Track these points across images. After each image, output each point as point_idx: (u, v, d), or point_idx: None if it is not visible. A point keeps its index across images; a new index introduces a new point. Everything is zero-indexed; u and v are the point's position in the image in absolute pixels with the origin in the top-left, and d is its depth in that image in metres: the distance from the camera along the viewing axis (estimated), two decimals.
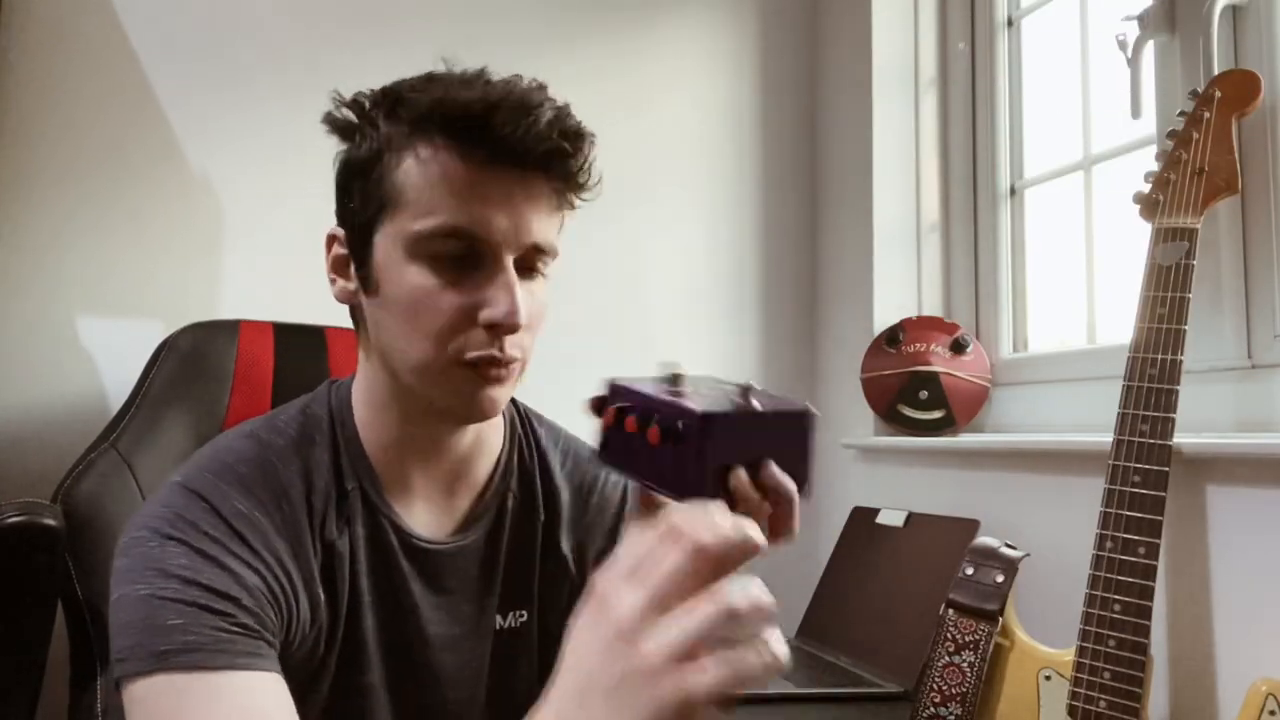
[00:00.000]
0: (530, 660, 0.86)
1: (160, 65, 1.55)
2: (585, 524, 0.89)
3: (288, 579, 0.73)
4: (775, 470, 0.54)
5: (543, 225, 0.75)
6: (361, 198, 0.75)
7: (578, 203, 0.79)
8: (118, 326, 1.50)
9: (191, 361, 1.23)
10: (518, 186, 0.73)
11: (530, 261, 0.76)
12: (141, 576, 0.68)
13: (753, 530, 0.45)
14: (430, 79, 0.75)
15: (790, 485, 0.55)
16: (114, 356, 1.48)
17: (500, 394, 0.75)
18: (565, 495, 0.89)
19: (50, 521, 0.99)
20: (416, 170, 0.72)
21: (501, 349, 0.73)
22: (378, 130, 0.74)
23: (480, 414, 0.76)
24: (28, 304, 1.47)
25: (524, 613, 0.86)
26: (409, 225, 0.72)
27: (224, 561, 0.69)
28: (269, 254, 1.56)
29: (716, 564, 0.44)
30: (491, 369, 0.73)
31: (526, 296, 0.74)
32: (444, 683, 0.82)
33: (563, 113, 0.73)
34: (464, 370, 0.73)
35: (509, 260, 0.73)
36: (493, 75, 0.75)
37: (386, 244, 0.74)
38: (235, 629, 0.67)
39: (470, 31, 1.74)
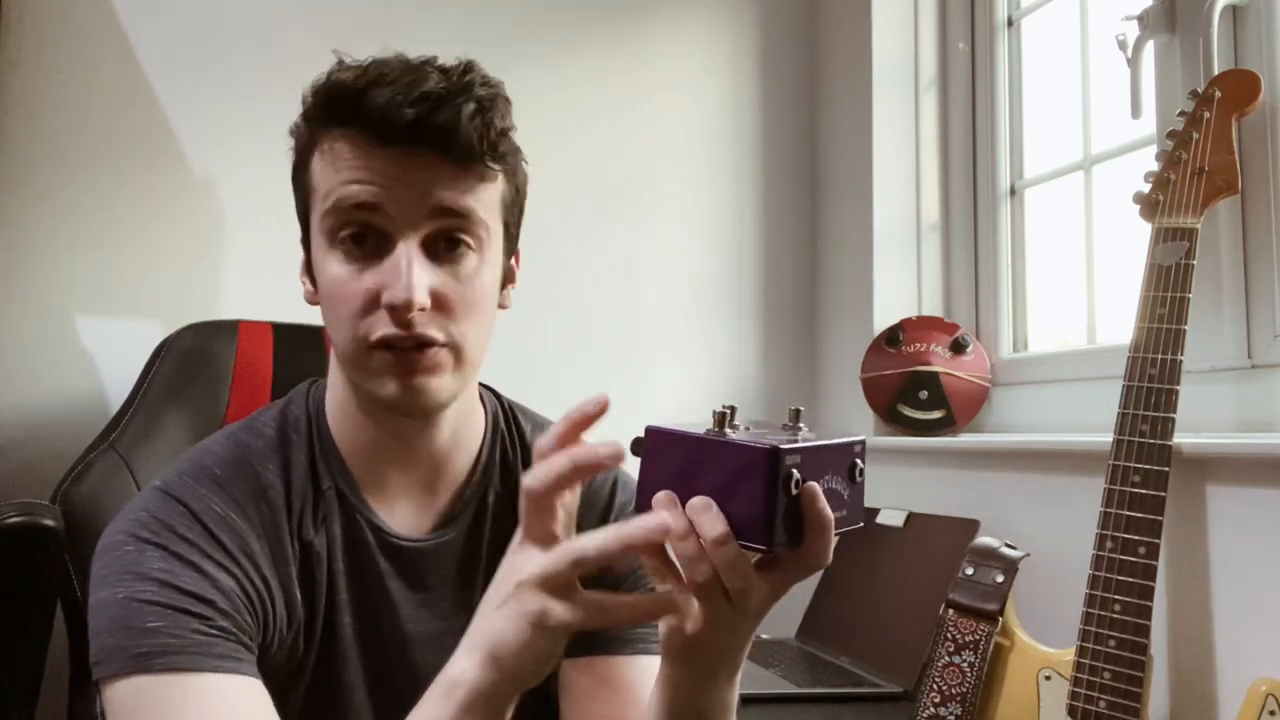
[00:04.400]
0: None
1: (160, 65, 1.55)
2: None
3: (264, 582, 0.73)
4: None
5: (450, 195, 0.72)
6: (297, 200, 0.78)
7: (495, 168, 0.74)
8: (117, 327, 1.50)
9: (191, 362, 1.23)
10: (411, 161, 0.70)
11: (448, 235, 0.73)
12: (119, 580, 0.68)
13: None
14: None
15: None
16: (113, 357, 1.48)
17: (430, 382, 0.72)
18: None
19: (49, 522, 0.99)
20: (319, 161, 0.74)
21: (407, 328, 0.70)
22: (300, 131, 0.77)
23: (414, 402, 0.73)
24: (27, 304, 1.47)
25: None
26: (319, 213, 0.74)
27: (201, 565, 0.69)
28: (268, 254, 1.56)
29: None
30: (407, 353, 0.71)
31: (446, 278, 0.72)
32: (425, 680, 0.81)
33: (448, 77, 0.71)
34: (379, 355, 0.72)
35: (410, 238, 0.71)
36: (385, 55, 0.73)
37: (315, 238, 0.76)
38: (213, 632, 0.67)
39: (471, 32, 1.74)
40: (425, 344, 0.71)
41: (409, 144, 0.70)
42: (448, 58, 0.75)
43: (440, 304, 0.72)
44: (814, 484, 0.57)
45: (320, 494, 0.78)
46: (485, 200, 0.75)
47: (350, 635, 0.79)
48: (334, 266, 0.73)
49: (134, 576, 0.68)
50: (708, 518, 0.55)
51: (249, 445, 0.78)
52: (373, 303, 0.71)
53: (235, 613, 0.70)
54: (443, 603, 0.82)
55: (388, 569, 0.80)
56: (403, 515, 0.81)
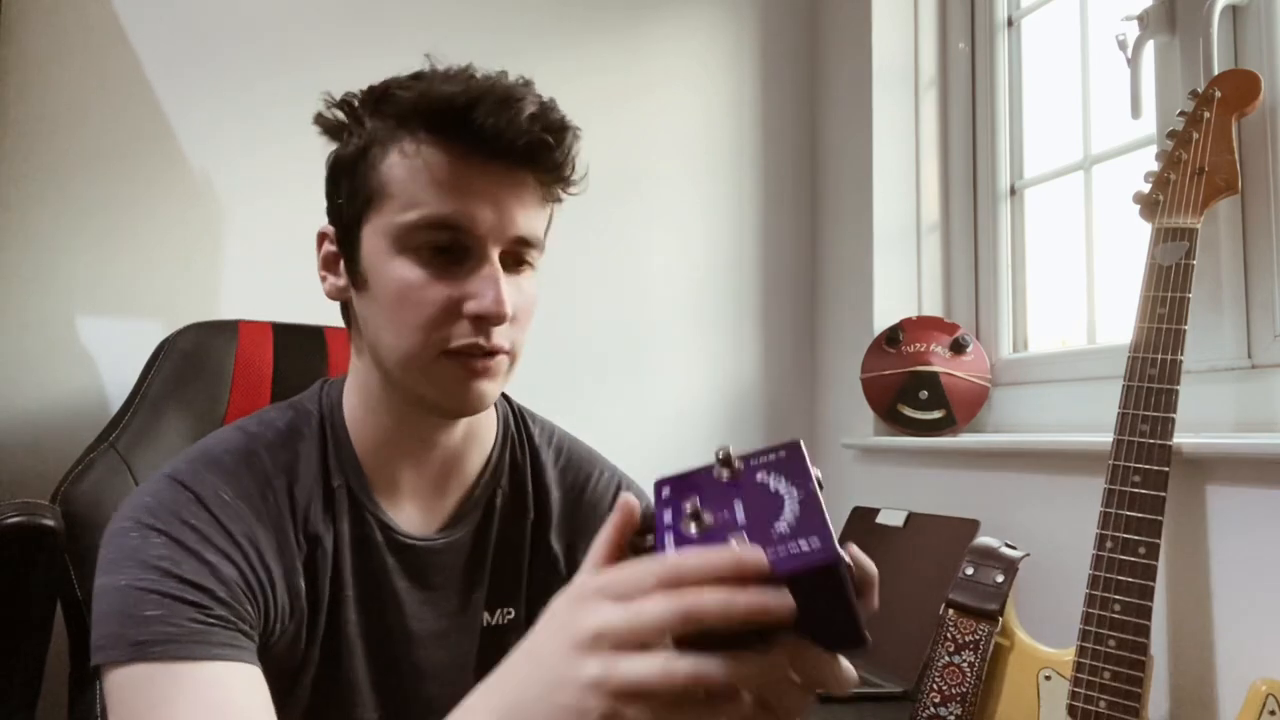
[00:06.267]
0: None
1: (160, 65, 1.55)
2: (577, 522, 0.89)
3: (265, 570, 0.74)
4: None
5: (529, 218, 0.75)
6: (349, 193, 0.76)
7: (565, 197, 0.79)
8: (117, 326, 1.50)
9: (191, 361, 1.23)
10: (502, 179, 0.73)
11: (517, 255, 0.76)
12: (122, 566, 0.69)
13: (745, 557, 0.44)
14: (417, 76, 0.76)
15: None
16: (113, 356, 1.48)
17: (488, 387, 0.75)
18: (557, 494, 0.89)
19: (49, 522, 0.99)
20: (401, 164, 0.73)
21: (487, 339, 0.73)
22: (363, 127, 0.75)
23: (469, 407, 0.76)
24: (27, 304, 1.46)
25: (511, 610, 0.86)
26: (395, 218, 0.73)
27: (203, 553, 0.70)
28: (268, 254, 1.56)
29: (680, 577, 0.45)
30: (477, 360, 0.74)
31: (514, 290, 0.74)
32: (427, 678, 0.82)
33: (546, 106, 0.74)
34: (450, 362, 0.73)
35: (494, 253, 0.73)
36: (478, 72, 0.75)
37: (373, 238, 0.75)
38: (211, 620, 0.68)
39: (470, 30, 1.74)
40: (495, 352, 0.74)
41: (513, 162, 0.73)
42: (452, 56, 0.76)
43: (514, 316, 0.75)
44: (861, 561, 0.50)
45: (330, 491, 0.79)
46: (545, 224, 0.78)
47: (355, 631, 0.79)
48: (404, 270, 0.73)
49: (136, 564, 0.69)
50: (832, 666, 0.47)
51: (259, 436, 0.79)
52: (453, 311, 0.73)
53: (235, 601, 0.70)
54: (446, 602, 0.83)
55: (394, 566, 0.80)
56: (411, 515, 0.82)
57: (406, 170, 0.73)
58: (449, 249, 0.73)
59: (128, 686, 0.66)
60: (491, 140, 0.71)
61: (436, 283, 0.73)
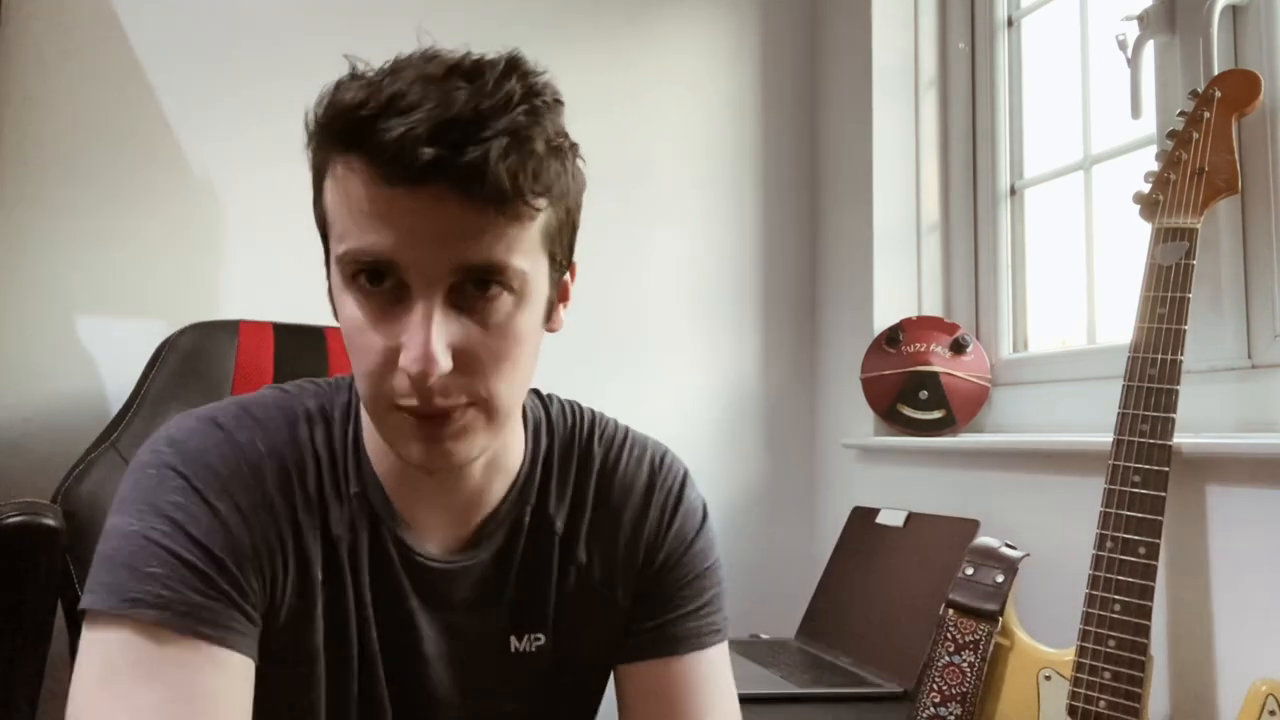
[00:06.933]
0: (545, 684, 0.81)
1: (160, 65, 1.55)
2: (610, 509, 0.82)
3: (279, 541, 0.69)
4: None
5: (484, 244, 0.61)
6: (317, 223, 0.68)
7: (536, 206, 0.63)
8: (118, 327, 1.50)
9: (192, 361, 1.23)
10: (424, 204, 0.59)
11: (482, 283, 0.62)
12: (133, 508, 0.64)
13: None
14: (341, 81, 0.64)
15: None
16: (114, 357, 1.48)
17: (462, 446, 0.65)
18: (589, 498, 0.82)
19: (50, 521, 0.99)
20: (332, 189, 0.63)
21: (425, 400, 0.62)
22: (311, 151, 0.66)
23: (443, 466, 0.66)
24: (28, 304, 1.47)
25: (540, 636, 0.80)
26: (336, 250, 0.64)
27: (219, 509, 0.65)
28: (269, 254, 1.56)
29: None
30: (429, 417, 0.63)
31: (474, 329, 0.63)
32: (443, 702, 0.78)
33: (484, 94, 0.59)
34: (401, 416, 0.64)
35: (427, 292, 0.61)
36: (426, 58, 0.64)
37: (333, 270, 0.66)
38: (213, 595, 0.63)
39: (470, 29, 1.73)
40: (444, 414, 0.63)
41: (432, 184, 0.59)
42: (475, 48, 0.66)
43: (466, 363, 0.63)
44: None
45: (348, 498, 0.74)
46: (521, 244, 0.63)
47: (376, 648, 0.75)
48: (350, 308, 0.65)
49: (149, 507, 0.64)
50: None
51: (299, 397, 0.74)
52: (391, 361, 0.62)
53: (240, 573, 0.66)
54: (464, 626, 0.78)
55: (409, 586, 0.75)
56: (429, 532, 0.77)
57: (336, 196, 0.63)
58: (384, 286, 0.62)
59: (109, 642, 0.61)
60: (397, 160, 0.57)
61: (377, 325, 0.63)
